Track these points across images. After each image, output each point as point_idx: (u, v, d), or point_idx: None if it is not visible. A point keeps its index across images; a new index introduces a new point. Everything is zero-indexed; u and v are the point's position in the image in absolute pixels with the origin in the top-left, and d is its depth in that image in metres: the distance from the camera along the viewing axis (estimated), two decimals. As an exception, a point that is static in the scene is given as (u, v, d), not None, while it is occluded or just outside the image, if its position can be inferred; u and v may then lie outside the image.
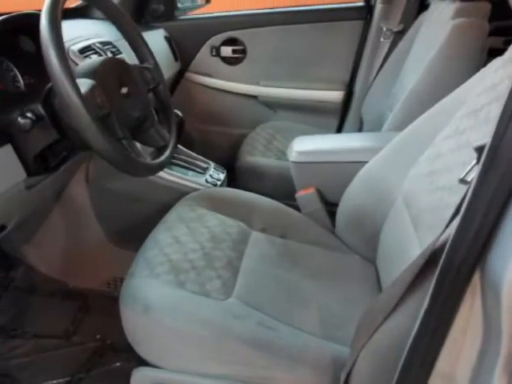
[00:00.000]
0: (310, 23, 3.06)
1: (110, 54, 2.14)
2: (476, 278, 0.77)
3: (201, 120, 3.31)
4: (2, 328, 2.21)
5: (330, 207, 2.03)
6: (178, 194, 2.11)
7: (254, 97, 3.24)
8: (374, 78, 2.86)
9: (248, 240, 1.79)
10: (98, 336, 2.20)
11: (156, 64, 1.83)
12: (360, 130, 2.95)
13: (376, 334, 1.05)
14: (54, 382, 2.01)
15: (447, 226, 0.93)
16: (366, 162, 1.80)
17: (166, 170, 2.21)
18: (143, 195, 2.24)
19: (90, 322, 2.29)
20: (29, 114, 1.45)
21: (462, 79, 1.56)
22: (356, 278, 1.72)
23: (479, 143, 0.76)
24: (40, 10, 1.37)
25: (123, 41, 1.89)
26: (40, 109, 1.47)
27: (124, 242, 2.36)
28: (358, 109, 2.96)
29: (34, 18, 1.53)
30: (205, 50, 3.19)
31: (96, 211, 2.32)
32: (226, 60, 3.20)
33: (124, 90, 1.58)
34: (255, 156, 2.64)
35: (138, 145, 1.66)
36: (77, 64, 1.86)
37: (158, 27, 3.06)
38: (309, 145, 2.17)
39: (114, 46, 2.26)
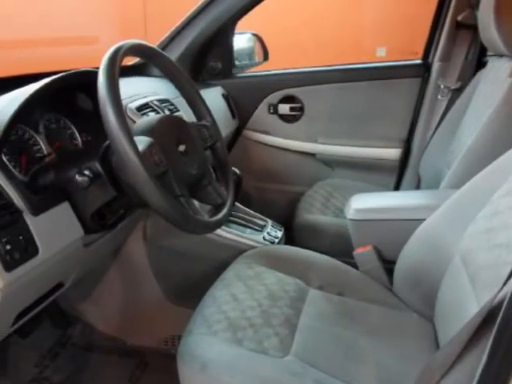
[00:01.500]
0: (368, 80, 3.08)
1: (167, 112, 2.17)
2: (534, 335, 0.76)
3: (258, 177, 3.31)
4: (60, 386, 2.23)
5: (388, 265, 2.01)
6: (236, 251, 2.11)
7: (312, 154, 3.23)
8: (432, 135, 2.84)
9: (305, 298, 1.78)
10: (156, 394, 2.20)
11: (214, 121, 1.85)
12: (418, 187, 2.93)
13: (433, 392, 1.04)
14: None
15: (505, 284, 0.93)
16: (424, 220, 1.79)
17: (223, 227, 2.22)
18: (201, 253, 2.25)
19: (147, 379, 2.29)
20: (86, 172, 1.46)
21: (520, 137, 1.56)
22: (413, 336, 1.70)
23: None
24: (97, 68, 1.40)
25: (181, 98, 1.91)
26: (97, 166, 1.48)
27: (181, 300, 2.37)
28: (416, 166, 2.94)
29: (91, 75, 1.56)
30: (262, 108, 3.21)
31: (153, 269, 2.34)
32: (283, 117, 3.20)
33: (181, 148, 1.59)
34: (313, 213, 2.64)
35: (196, 202, 1.67)
36: (134, 122, 1.89)
37: (215, 85, 3.10)
38: (366, 202, 2.17)
39: (172, 104, 2.29)
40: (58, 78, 1.61)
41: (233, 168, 1.92)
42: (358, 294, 1.87)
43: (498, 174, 1.54)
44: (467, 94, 2.53)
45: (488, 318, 0.93)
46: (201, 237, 2.16)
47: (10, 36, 4.82)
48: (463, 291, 1.41)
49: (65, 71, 1.66)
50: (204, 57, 3.03)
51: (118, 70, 1.42)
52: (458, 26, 2.84)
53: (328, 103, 3.14)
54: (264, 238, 2.36)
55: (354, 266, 2.05)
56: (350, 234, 2.14)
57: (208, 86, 3.02)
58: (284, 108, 3.17)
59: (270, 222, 2.53)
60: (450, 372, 1.00)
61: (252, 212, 2.58)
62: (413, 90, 3.00)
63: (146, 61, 1.90)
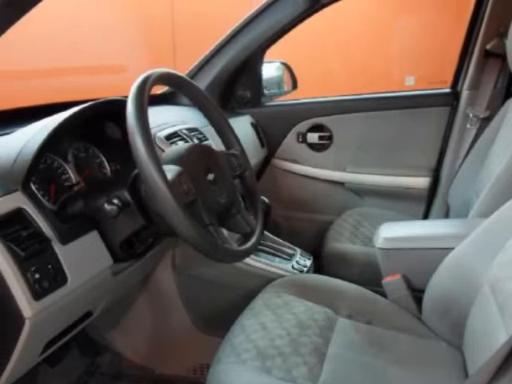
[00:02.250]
0: (397, 109, 3.08)
1: (196, 141, 2.19)
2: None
3: (287, 206, 3.31)
4: (89, 415, 2.23)
5: (417, 293, 2.00)
6: (265, 280, 2.11)
7: (341, 183, 3.23)
8: (461, 164, 2.83)
9: (334, 326, 1.77)
10: (185, 423, 2.19)
11: (242, 150, 1.84)
12: (446, 216, 2.92)
13: (463, 422, 1.03)
14: None
15: (533, 313, 0.92)
16: (453, 249, 1.78)
17: (252, 256, 2.21)
18: (229, 281, 2.25)
19: (176, 408, 2.29)
20: (115, 201, 1.47)
21: (549, 165, 1.55)
22: (442, 365, 1.68)
23: None
24: (126, 97, 1.41)
25: (209, 127, 1.92)
26: (126, 195, 1.49)
27: (210, 329, 2.37)
28: (445, 195, 2.93)
29: (120, 104, 1.56)
30: (291, 137, 3.21)
31: (182, 297, 2.34)
32: (312, 146, 3.21)
33: (210, 177, 1.59)
34: (342, 242, 2.63)
35: (225, 231, 1.67)
36: (163, 150, 1.91)
37: (244, 113, 3.12)
38: (395, 231, 2.16)
39: (201, 133, 2.31)
40: (87, 107, 1.62)
41: (261, 197, 1.91)
42: (386, 322, 1.86)
43: (527, 202, 1.54)
44: (496, 123, 2.52)
45: (517, 346, 0.93)
46: (230, 265, 2.16)
47: (40, 65, 4.86)
48: (492, 320, 1.40)
49: (94, 100, 1.68)
50: (233, 86, 3.06)
51: (147, 99, 1.42)
52: (486, 54, 2.84)
53: (357, 132, 3.15)
54: (293, 266, 2.35)
55: (383, 294, 2.04)
56: (378, 262, 2.13)
57: (237, 114, 3.04)
58: (313, 137, 3.18)
59: (298, 250, 2.53)
60: (479, 401, 1.00)
61: (281, 241, 2.57)
62: (441, 118, 3.00)
63: (175, 90, 1.91)
